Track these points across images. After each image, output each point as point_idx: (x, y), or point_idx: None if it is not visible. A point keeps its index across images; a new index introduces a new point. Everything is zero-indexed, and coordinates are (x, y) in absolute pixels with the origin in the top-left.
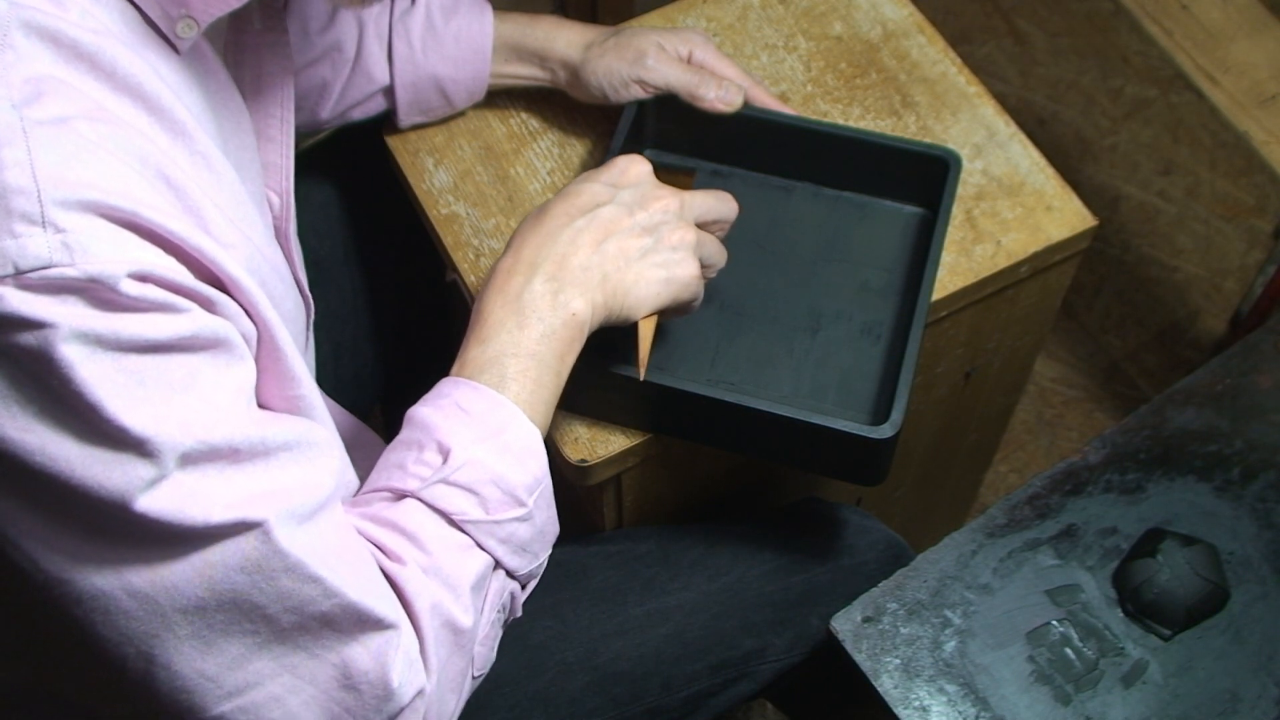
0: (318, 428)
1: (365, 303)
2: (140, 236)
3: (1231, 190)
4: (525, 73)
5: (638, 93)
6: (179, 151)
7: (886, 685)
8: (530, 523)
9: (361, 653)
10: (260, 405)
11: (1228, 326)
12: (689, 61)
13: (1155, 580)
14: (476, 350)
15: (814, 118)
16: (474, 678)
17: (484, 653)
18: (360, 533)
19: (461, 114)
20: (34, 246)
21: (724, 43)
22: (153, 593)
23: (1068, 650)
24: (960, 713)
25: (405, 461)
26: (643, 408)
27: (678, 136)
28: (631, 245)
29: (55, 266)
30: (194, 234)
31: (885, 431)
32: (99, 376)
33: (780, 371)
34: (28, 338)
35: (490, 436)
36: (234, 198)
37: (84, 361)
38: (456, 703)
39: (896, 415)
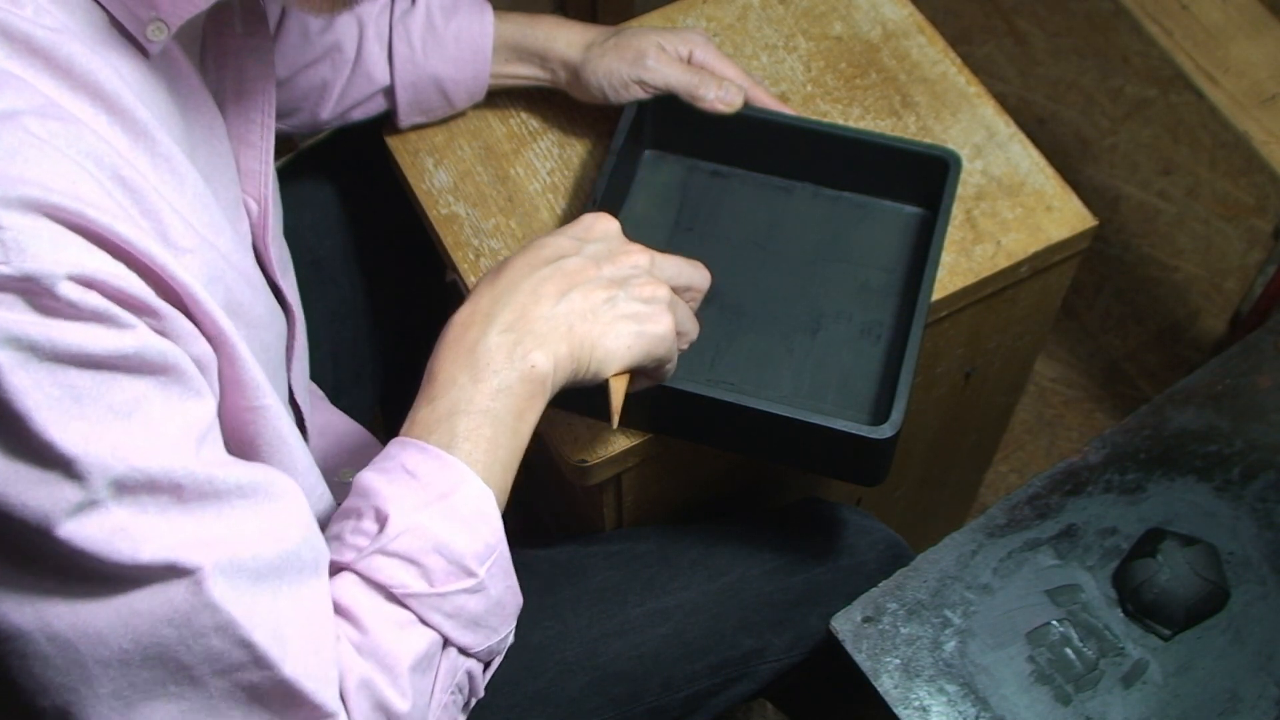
0: (283, 479)
1: (365, 303)
2: (86, 239)
3: (1231, 190)
4: (525, 73)
5: (638, 93)
6: (139, 154)
7: (886, 685)
8: (483, 594)
9: None
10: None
11: (1228, 326)
12: (689, 62)
13: (1155, 580)
14: (426, 410)
15: (814, 118)
16: None
17: None
18: None
19: (461, 114)
20: None
21: (724, 43)
22: (73, 638)
23: (1068, 650)
24: (960, 713)
25: (343, 532)
26: (643, 408)
27: (678, 137)
28: (598, 296)
29: None
30: (144, 239)
31: (885, 431)
32: (29, 385)
33: (780, 371)
34: None
35: (435, 501)
36: (198, 202)
37: (15, 369)
38: None
39: (896, 415)
